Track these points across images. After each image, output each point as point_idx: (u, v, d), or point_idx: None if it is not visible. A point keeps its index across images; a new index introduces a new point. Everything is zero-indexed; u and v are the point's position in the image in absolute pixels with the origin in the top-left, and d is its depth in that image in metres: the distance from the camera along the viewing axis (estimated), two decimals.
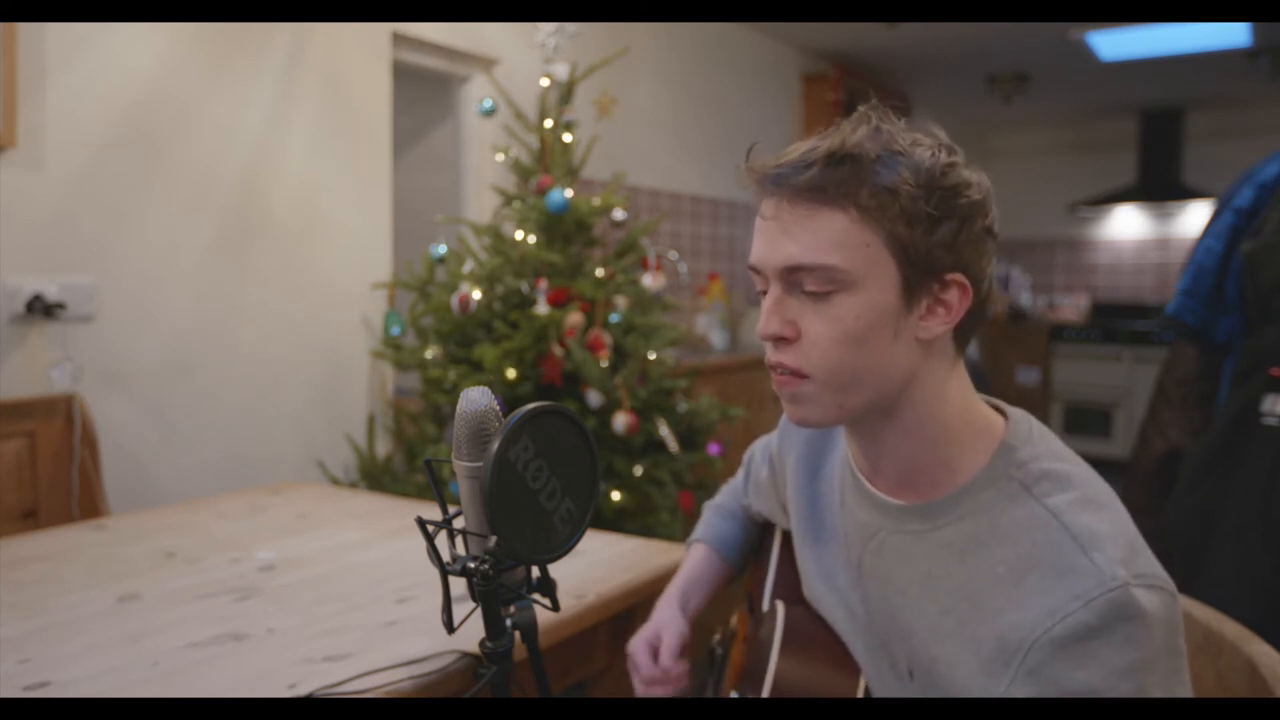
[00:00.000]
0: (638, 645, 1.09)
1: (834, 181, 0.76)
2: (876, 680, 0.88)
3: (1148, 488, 2.27)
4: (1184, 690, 0.73)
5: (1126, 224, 6.97)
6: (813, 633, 0.94)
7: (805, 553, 0.98)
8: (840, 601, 0.92)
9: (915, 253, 0.76)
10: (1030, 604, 0.73)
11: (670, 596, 1.14)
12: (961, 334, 0.81)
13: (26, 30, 2.09)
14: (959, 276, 0.78)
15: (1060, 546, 0.73)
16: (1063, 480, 0.78)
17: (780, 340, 0.79)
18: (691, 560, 1.19)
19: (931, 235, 0.76)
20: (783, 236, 0.78)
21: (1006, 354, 6.54)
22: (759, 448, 1.19)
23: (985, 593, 0.76)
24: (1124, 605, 0.70)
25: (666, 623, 1.10)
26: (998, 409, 0.86)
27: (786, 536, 1.11)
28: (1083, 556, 0.72)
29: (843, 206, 0.76)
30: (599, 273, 2.55)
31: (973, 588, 0.77)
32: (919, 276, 0.77)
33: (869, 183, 0.75)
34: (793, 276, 0.78)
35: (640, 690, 1.08)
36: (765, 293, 0.81)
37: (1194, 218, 6.56)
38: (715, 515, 1.22)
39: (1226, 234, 1.95)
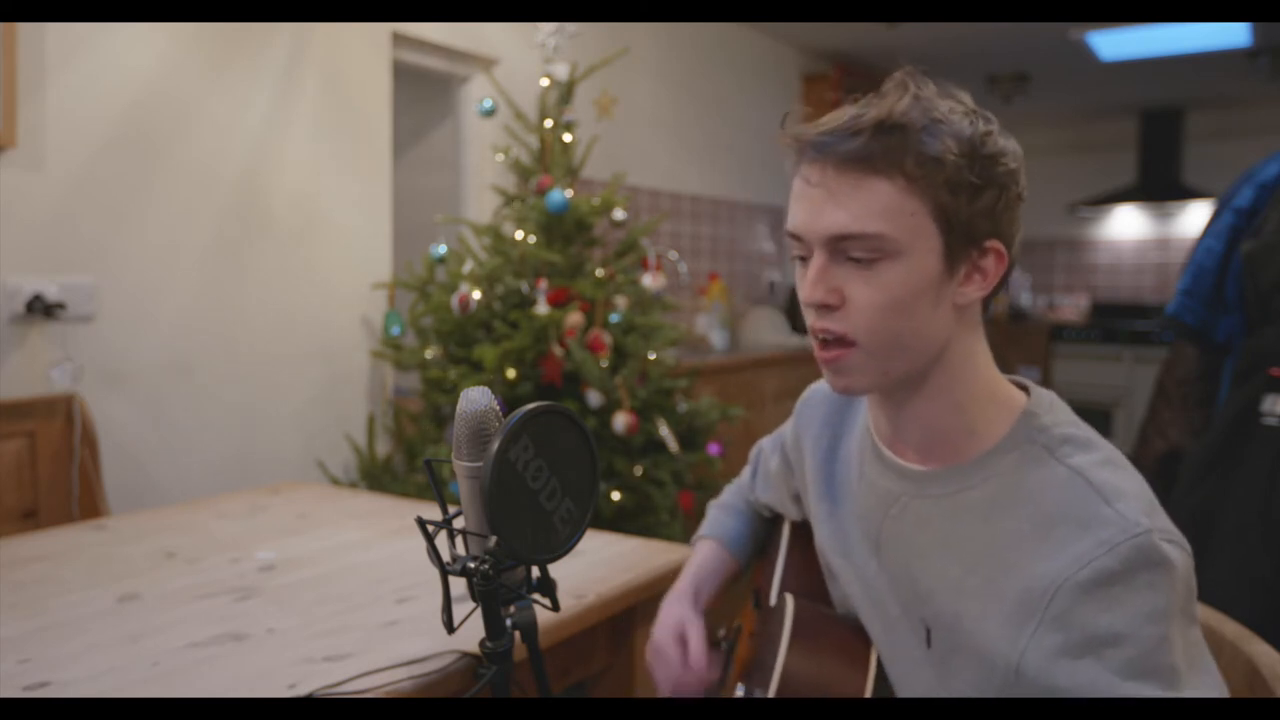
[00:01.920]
0: (665, 640, 1.06)
1: (882, 150, 0.76)
2: (892, 653, 0.88)
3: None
4: (1202, 646, 0.74)
5: (1126, 224, 6.97)
6: (822, 627, 0.94)
7: (822, 528, 0.98)
8: (857, 575, 0.92)
9: (957, 220, 0.77)
10: (1056, 555, 0.74)
11: (682, 593, 1.13)
12: (988, 299, 0.83)
13: (26, 30, 2.09)
14: (996, 243, 0.79)
15: (1085, 499, 0.75)
16: (1084, 444, 0.80)
17: (824, 307, 0.80)
18: (700, 555, 1.18)
19: (974, 204, 0.77)
20: (830, 204, 0.78)
21: (1006, 354, 6.54)
22: (768, 441, 1.19)
23: (1010, 549, 0.77)
24: (1148, 551, 0.71)
25: (689, 618, 1.08)
26: (1021, 386, 0.87)
27: (794, 530, 1.11)
28: (1106, 507, 0.74)
29: (889, 175, 0.76)
30: (599, 273, 2.55)
31: (998, 545, 0.78)
32: (960, 244, 0.78)
33: (915, 151, 0.76)
34: (839, 244, 0.78)
35: (666, 689, 1.06)
36: (803, 259, 0.81)
37: (1194, 218, 6.56)
38: (721, 512, 1.22)
39: (1226, 234, 1.95)
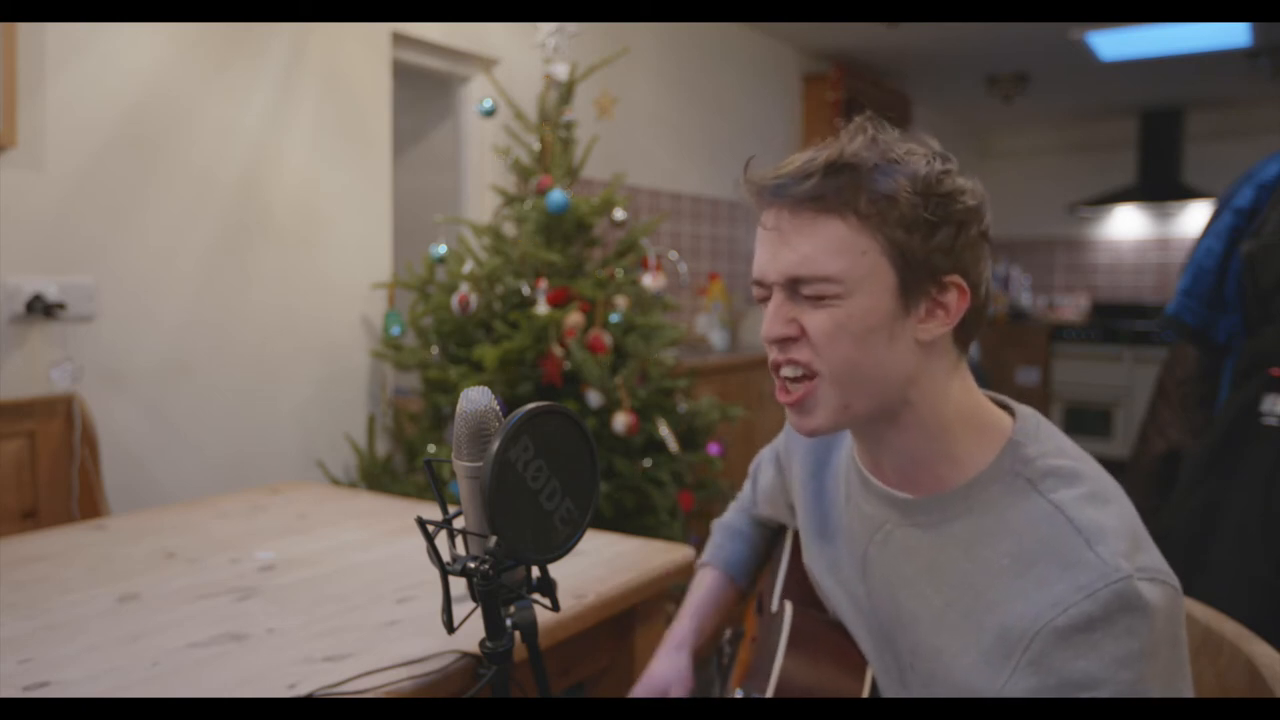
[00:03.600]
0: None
1: (833, 190, 0.77)
2: (881, 674, 0.89)
3: (1148, 488, 2.27)
4: (1185, 682, 0.74)
5: (1126, 224, 6.97)
6: (819, 634, 0.94)
7: (812, 548, 0.98)
8: (846, 595, 0.92)
9: (913, 258, 0.77)
10: (1034, 596, 0.74)
11: (680, 642, 1.12)
12: (962, 336, 0.83)
13: (26, 30, 2.08)
14: (957, 279, 0.79)
15: (1065, 540, 0.75)
16: (1069, 476, 0.79)
17: (786, 340, 0.80)
18: (702, 588, 1.18)
19: (930, 240, 0.77)
20: (784, 246, 0.79)
21: (1006, 354, 6.53)
22: (765, 454, 1.20)
23: (990, 585, 0.77)
24: (1127, 597, 0.71)
25: (675, 678, 1.08)
26: (1006, 406, 0.87)
27: (798, 537, 1.12)
28: (1087, 550, 0.73)
29: (841, 214, 0.77)
30: (599, 273, 2.55)
31: (977, 579, 0.78)
32: (917, 280, 0.78)
33: (867, 190, 0.77)
34: (795, 285, 0.80)
35: None
36: (766, 301, 0.82)
37: (1194, 218, 6.56)
38: (723, 536, 1.22)
39: (1226, 234, 1.96)
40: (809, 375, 0.80)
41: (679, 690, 1.07)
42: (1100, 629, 0.71)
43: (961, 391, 0.83)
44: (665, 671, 1.09)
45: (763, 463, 1.19)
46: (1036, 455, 0.80)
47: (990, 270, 0.83)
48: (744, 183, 0.83)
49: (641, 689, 1.08)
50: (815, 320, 0.79)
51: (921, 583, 0.82)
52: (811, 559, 0.99)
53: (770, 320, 0.81)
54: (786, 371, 0.81)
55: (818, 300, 0.78)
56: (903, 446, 0.83)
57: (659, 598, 1.39)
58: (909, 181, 0.77)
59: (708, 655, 1.17)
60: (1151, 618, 0.71)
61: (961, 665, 0.77)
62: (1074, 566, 0.73)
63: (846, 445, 0.95)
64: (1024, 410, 0.85)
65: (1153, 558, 0.75)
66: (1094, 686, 0.71)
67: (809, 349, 0.80)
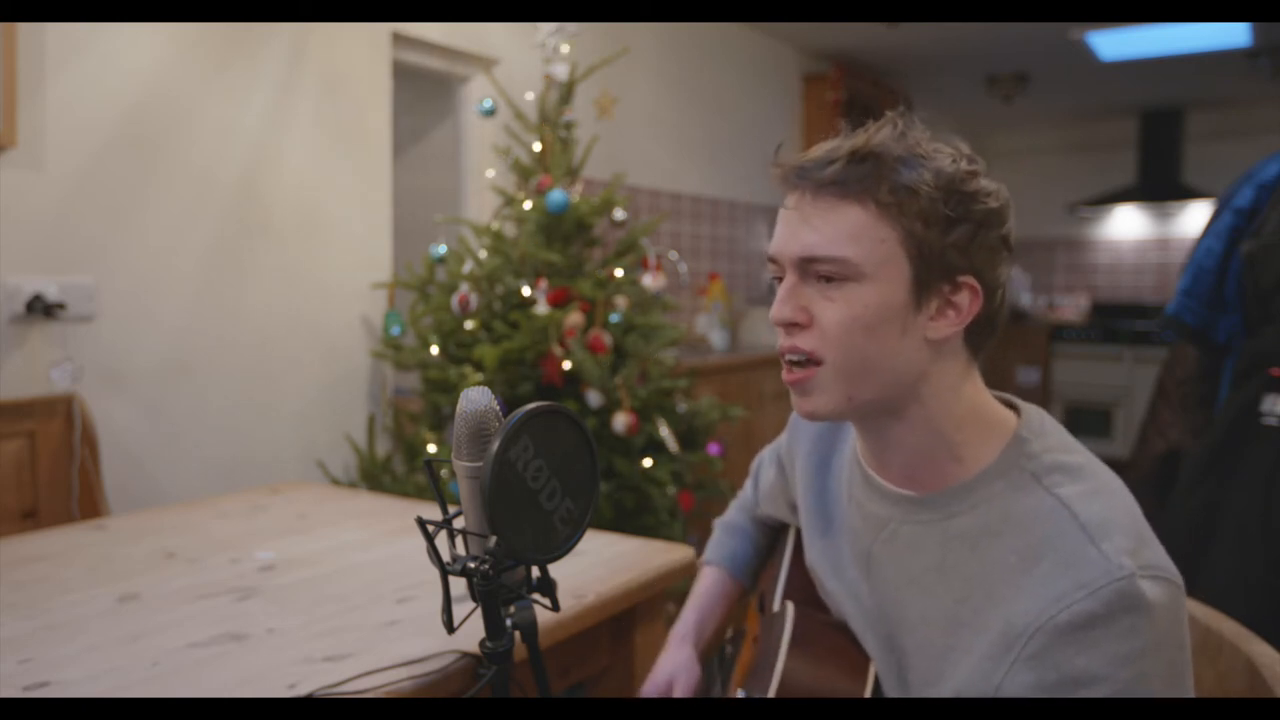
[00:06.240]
0: (651, 695, 1.08)
1: (856, 177, 0.78)
2: (884, 673, 0.89)
3: (1148, 488, 2.27)
4: (1187, 681, 0.74)
5: (1126, 224, 6.96)
6: (821, 634, 0.94)
7: (814, 547, 0.98)
8: (850, 594, 0.92)
9: (929, 252, 0.78)
10: (1037, 592, 0.74)
11: (684, 635, 1.14)
12: (974, 339, 0.83)
13: (26, 30, 2.09)
14: (970, 279, 0.79)
15: (1069, 536, 0.75)
16: (1074, 472, 0.79)
17: (793, 326, 0.81)
18: (704, 585, 1.19)
19: (946, 236, 0.78)
20: (803, 226, 0.80)
21: (1006, 354, 6.53)
22: (767, 453, 1.20)
23: (997, 581, 0.77)
24: (1129, 595, 0.71)
25: (680, 669, 1.09)
26: (1012, 405, 0.87)
27: (799, 536, 1.12)
28: (1091, 546, 0.73)
29: (862, 201, 0.78)
30: (599, 273, 2.55)
31: (985, 576, 0.78)
32: (930, 276, 0.79)
33: (889, 180, 0.78)
34: (809, 265, 0.80)
35: None
36: (780, 280, 0.83)
37: (1194, 218, 6.56)
38: (725, 534, 1.23)
39: (1226, 234, 1.96)
40: (813, 362, 0.81)
41: (685, 681, 1.08)
42: (1101, 626, 0.71)
43: (973, 393, 0.84)
44: (670, 664, 1.10)
45: (764, 462, 1.20)
46: (1041, 450, 0.80)
47: (1008, 277, 0.83)
48: (772, 165, 0.84)
49: (649, 685, 1.09)
50: (826, 309, 0.80)
51: (930, 581, 0.82)
52: (814, 558, 0.98)
53: (780, 303, 0.81)
54: (791, 357, 0.82)
55: (829, 284, 0.79)
56: (910, 444, 0.83)
57: (659, 598, 1.39)
58: (932, 176, 0.78)
59: (711, 652, 1.17)
60: (1153, 617, 0.71)
61: (968, 663, 0.77)
62: (1077, 563, 0.73)
63: (849, 445, 0.95)
64: (1029, 408, 0.85)
65: (1156, 554, 0.74)
66: (1093, 684, 0.70)
67: (815, 337, 0.80)
